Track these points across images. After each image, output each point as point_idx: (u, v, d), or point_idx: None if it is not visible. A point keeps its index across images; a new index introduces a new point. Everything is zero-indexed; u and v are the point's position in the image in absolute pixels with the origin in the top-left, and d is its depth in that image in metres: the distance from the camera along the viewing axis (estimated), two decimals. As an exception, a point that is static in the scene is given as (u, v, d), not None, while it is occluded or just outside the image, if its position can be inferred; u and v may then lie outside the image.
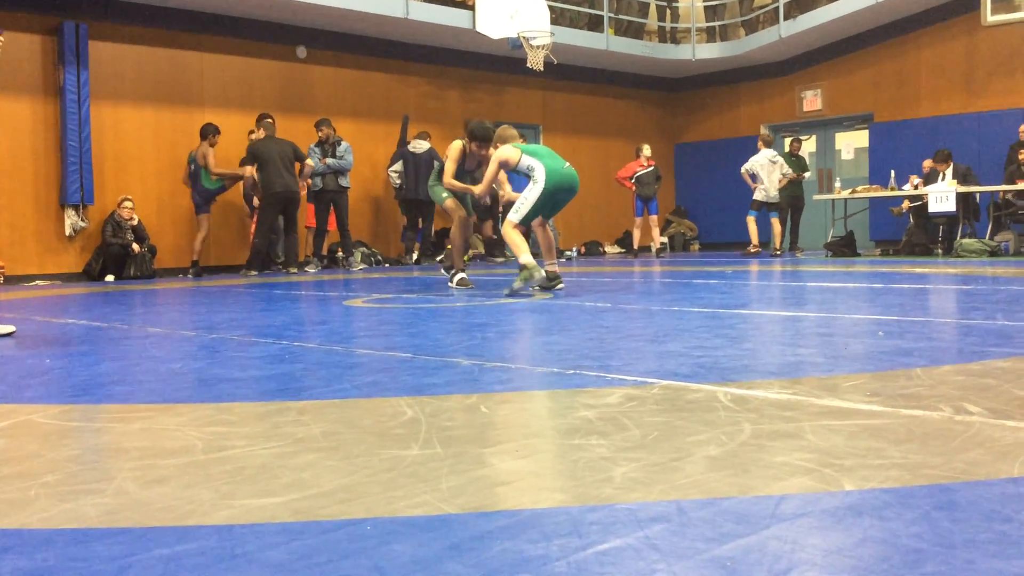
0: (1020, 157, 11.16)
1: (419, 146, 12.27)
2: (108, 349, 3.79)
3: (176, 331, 4.43)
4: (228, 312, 5.44)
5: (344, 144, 11.52)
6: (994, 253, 10.50)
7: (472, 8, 12.76)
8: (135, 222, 10.43)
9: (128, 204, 10.36)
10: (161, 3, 10.90)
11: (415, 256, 12.65)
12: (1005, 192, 11.29)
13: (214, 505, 1.52)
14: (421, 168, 12.23)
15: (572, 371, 2.78)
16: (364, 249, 12.33)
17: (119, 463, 1.85)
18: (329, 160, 11.11)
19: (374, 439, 1.96)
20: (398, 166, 12.36)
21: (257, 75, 12.00)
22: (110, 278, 10.19)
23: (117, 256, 10.26)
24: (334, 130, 11.55)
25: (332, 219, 11.51)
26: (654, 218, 13.92)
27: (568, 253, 14.35)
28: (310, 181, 10.99)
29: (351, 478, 1.66)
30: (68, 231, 10.37)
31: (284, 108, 11.87)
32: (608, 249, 16.02)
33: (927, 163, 12.26)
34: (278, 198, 10.43)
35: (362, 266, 11.74)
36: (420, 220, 12.54)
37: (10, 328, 4.46)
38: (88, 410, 2.45)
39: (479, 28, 12.70)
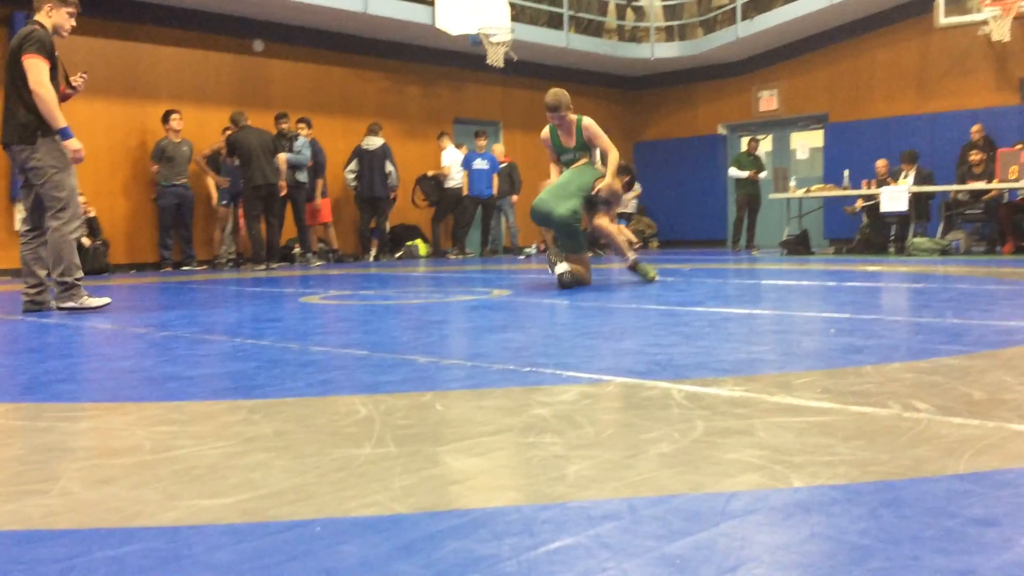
0: (971, 158, 11.37)
1: (372, 142, 12.22)
2: (56, 346, 3.72)
3: (126, 328, 4.36)
4: (181, 309, 5.37)
5: (301, 139, 11.44)
6: (945, 252, 10.69)
7: (432, 4, 12.72)
8: (91, 213, 10.27)
9: (81, 199, 10.20)
10: (114, -6, 10.73)
11: (373, 253, 12.59)
12: (956, 192, 11.50)
13: (161, 506, 1.50)
14: (375, 164, 12.18)
15: (528, 369, 2.78)
16: (322, 245, 12.24)
17: (64, 463, 1.82)
18: (287, 155, 11.03)
19: (326, 438, 1.94)
20: (353, 165, 12.31)
21: (213, 68, 11.85)
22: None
23: (69, 252, 10.07)
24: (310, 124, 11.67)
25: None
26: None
27: (527, 250, 14.37)
28: (283, 183, 10.86)
29: (302, 478, 1.64)
30: (18, 226, 10.15)
31: (240, 102, 11.73)
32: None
33: (880, 164, 12.44)
34: (259, 192, 10.38)
35: (319, 262, 11.66)
36: (376, 217, 12.50)
37: (105, 300, 5.23)
38: (34, 409, 2.40)
39: (439, 24, 12.65)
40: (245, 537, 1.34)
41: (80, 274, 5.17)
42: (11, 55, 5.11)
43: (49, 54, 5.11)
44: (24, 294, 5.23)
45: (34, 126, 5.05)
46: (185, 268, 10.92)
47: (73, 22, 5.38)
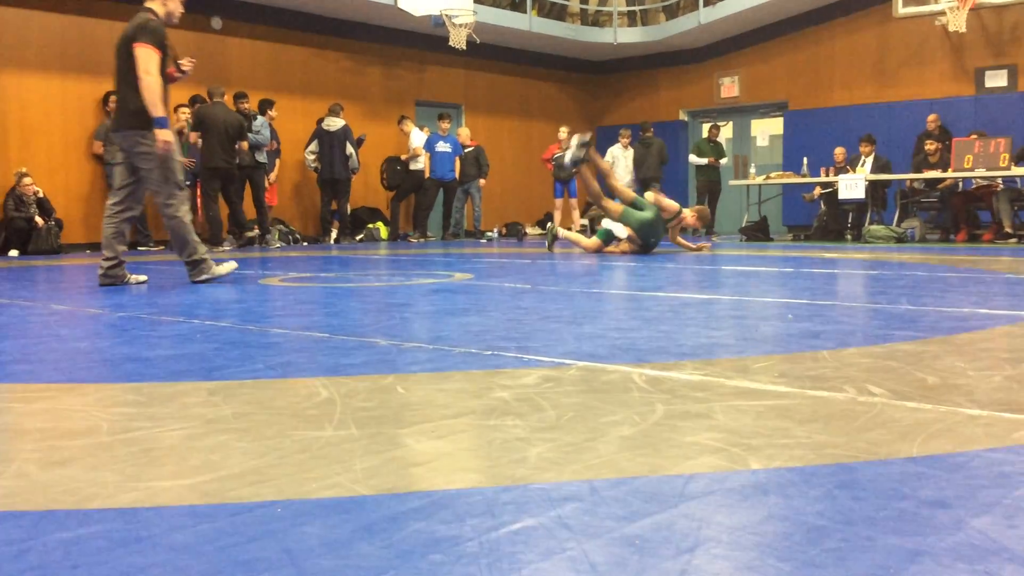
0: (927, 147, 11.54)
1: (333, 123, 12.12)
2: (10, 326, 3.65)
3: (82, 308, 4.29)
4: (137, 289, 5.30)
5: (260, 119, 11.31)
6: (900, 239, 10.86)
7: (394, -16, 12.62)
8: (40, 194, 10.08)
9: (27, 180, 9.97)
10: (69, -32, 10.51)
11: (333, 235, 12.51)
12: (912, 181, 11.67)
13: (119, 487, 1.48)
14: (336, 146, 12.09)
15: (490, 352, 2.79)
16: (282, 227, 12.13)
17: (19, 444, 1.79)
18: (249, 135, 10.91)
19: (287, 420, 1.93)
20: (314, 146, 12.21)
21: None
22: (14, 253, 9.83)
23: (21, 230, 9.90)
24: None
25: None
26: (573, 200, 14.04)
27: (489, 234, 14.36)
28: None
29: (262, 459, 1.63)
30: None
31: (197, 80, 11.55)
32: (529, 231, 16.09)
33: (838, 151, 12.58)
34: (217, 173, 10.25)
35: (279, 244, 11.56)
36: (336, 199, 12.41)
37: (232, 265, 5.57)
38: (-13, 390, 2.36)
39: (401, 4, 12.56)
40: (205, 518, 1.33)
41: (203, 249, 5.49)
42: (124, 43, 5.30)
43: (160, 44, 5.30)
44: (100, 267, 5.44)
45: (147, 113, 5.23)
46: (141, 248, 10.77)
47: (183, 8, 5.60)
